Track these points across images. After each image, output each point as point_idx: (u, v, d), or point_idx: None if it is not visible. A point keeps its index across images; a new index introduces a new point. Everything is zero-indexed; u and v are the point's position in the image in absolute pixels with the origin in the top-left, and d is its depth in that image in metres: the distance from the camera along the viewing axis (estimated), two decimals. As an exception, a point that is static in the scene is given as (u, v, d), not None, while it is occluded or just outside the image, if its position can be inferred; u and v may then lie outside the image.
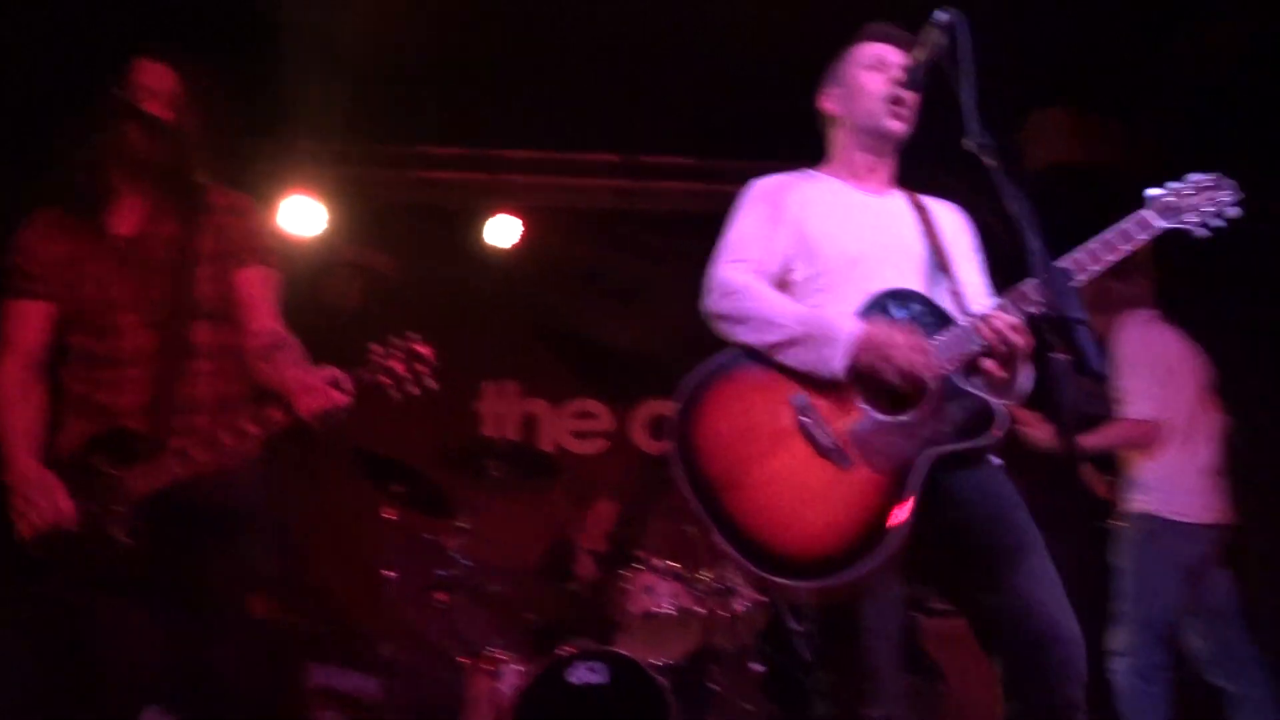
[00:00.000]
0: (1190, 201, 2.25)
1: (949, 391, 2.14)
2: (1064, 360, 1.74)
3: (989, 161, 2.03)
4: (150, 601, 2.27)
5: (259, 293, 2.48)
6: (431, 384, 2.30)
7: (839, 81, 2.54)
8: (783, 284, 2.40)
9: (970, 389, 2.15)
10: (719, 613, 4.57)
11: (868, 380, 2.14)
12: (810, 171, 2.57)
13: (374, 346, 2.29)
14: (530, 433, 6.36)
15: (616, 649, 4.36)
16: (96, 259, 2.37)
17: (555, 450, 6.27)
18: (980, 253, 2.52)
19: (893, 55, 2.44)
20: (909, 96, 2.41)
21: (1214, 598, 4.01)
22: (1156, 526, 3.88)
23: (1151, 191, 2.27)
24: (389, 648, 4.75)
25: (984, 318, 2.13)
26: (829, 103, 2.57)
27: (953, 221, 2.52)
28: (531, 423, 6.41)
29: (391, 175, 6.25)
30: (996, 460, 2.26)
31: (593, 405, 6.50)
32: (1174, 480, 3.92)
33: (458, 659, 4.46)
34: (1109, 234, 2.21)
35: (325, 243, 6.29)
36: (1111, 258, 2.18)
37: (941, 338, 2.15)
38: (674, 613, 4.49)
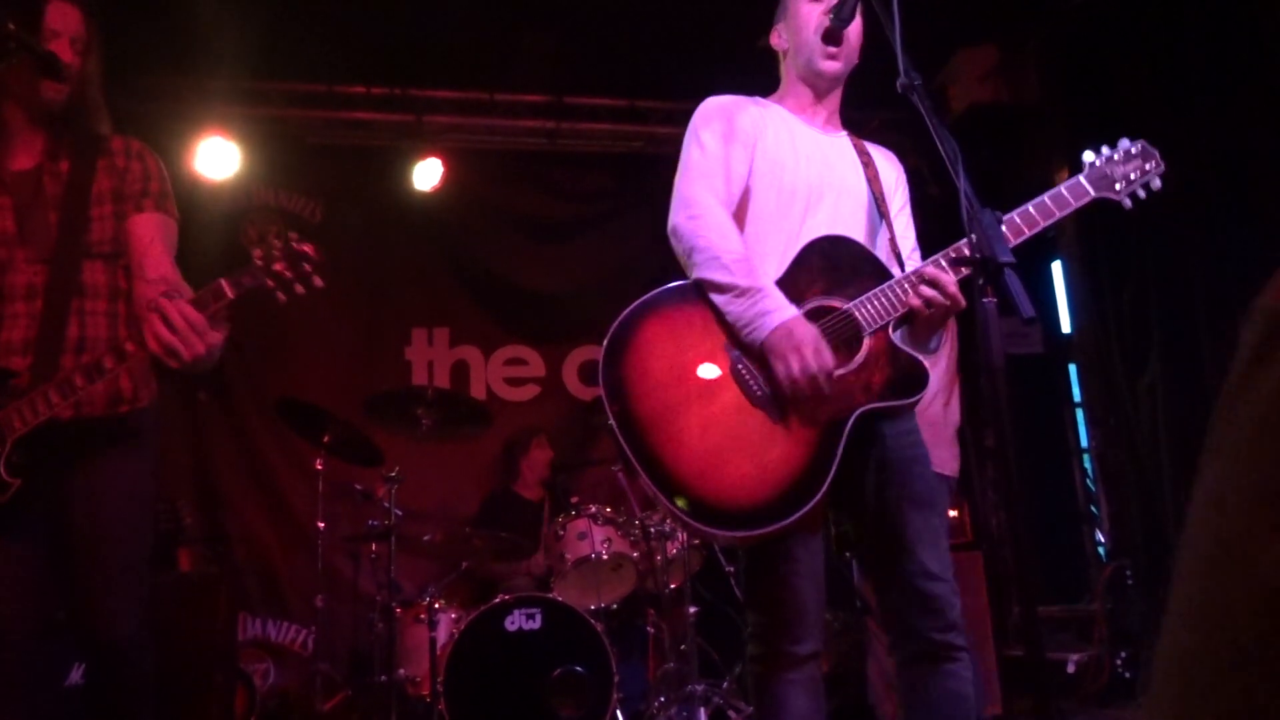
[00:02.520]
0: (1119, 170, 2.25)
1: (881, 348, 2.15)
2: (992, 303, 1.75)
3: (920, 103, 2.02)
4: (27, 538, 2.29)
5: (154, 239, 2.41)
6: (318, 282, 2.22)
7: (784, 15, 2.50)
8: (738, 205, 2.37)
9: (903, 347, 2.17)
10: (654, 557, 4.61)
11: (762, 361, 2.12)
12: (761, 99, 2.53)
13: (256, 251, 2.20)
14: (461, 380, 6.29)
15: (551, 595, 4.37)
16: None
17: (487, 397, 6.22)
18: (910, 205, 2.52)
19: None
20: (847, 33, 2.37)
21: None
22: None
23: (1088, 156, 2.27)
24: (322, 598, 4.71)
25: (920, 274, 2.13)
26: (776, 39, 2.53)
27: (890, 170, 2.50)
28: (462, 369, 6.34)
29: (311, 115, 6.05)
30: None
31: (524, 351, 6.45)
32: (936, 435, 4.00)
33: (392, 608, 4.43)
34: (1046, 198, 2.21)
35: (241, 185, 6.10)
36: (1046, 222, 2.20)
37: (879, 295, 2.14)
38: (608, 557, 4.50)
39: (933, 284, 2.11)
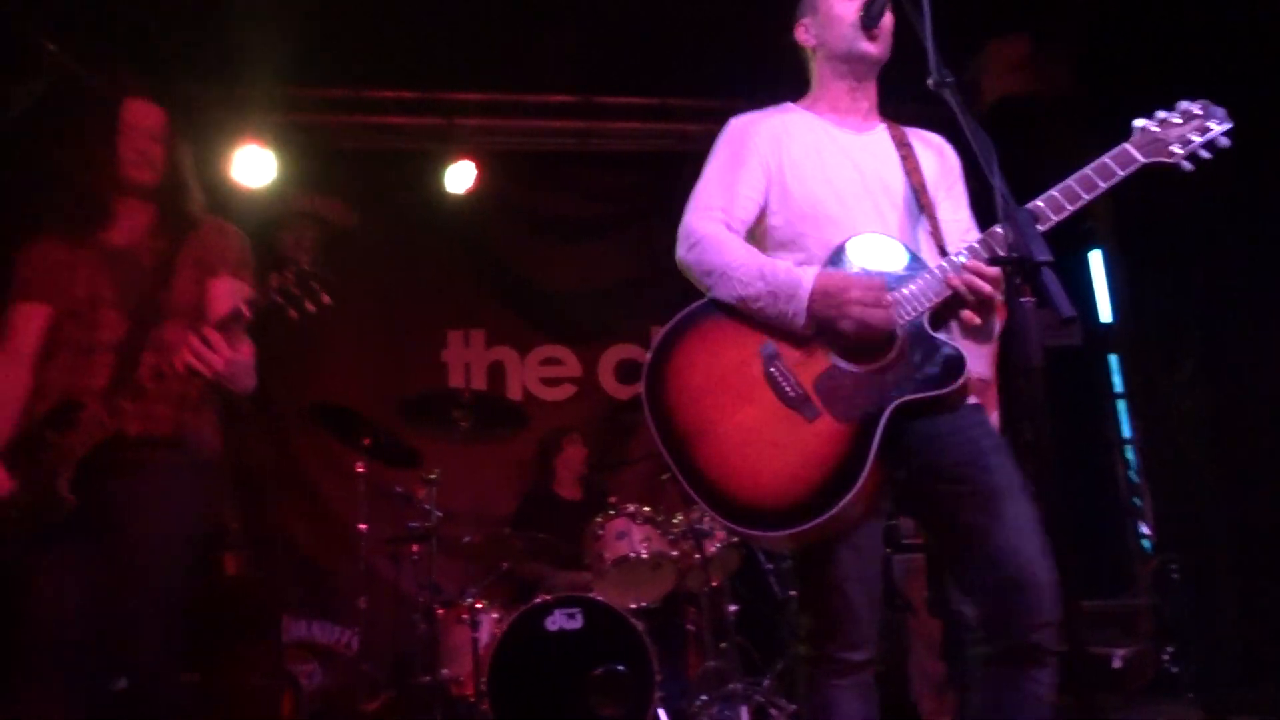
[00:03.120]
0: (1176, 132, 2.16)
1: (916, 339, 2.11)
2: (1030, 303, 1.73)
3: (952, 100, 2.00)
4: (82, 550, 2.50)
5: (223, 299, 2.68)
6: (325, 299, 2.48)
7: (811, 10, 2.46)
8: (760, 226, 2.37)
9: (939, 337, 2.11)
10: (692, 555, 4.61)
11: (831, 331, 2.13)
12: (790, 106, 2.51)
13: (271, 275, 2.48)
14: (498, 380, 6.33)
15: (592, 594, 4.38)
16: (90, 264, 2.64)
17: (523, 397, 6.25)
18: (964, 184, 2.43)
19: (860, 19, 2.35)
20: (882, 19, 2.35)
21: None
22: None
23: (1138, 122, 2.19)
24: (365, 599, 4.76)
25: (954, 265, 2.10)
26: (803, 33, 2.49)
27: (935, 155, 2.42)
28: (498, 370, 6.37)
29: (343, 121, 6.11)
30: (972, 399, 2.22)
31: (559, 351, 6.47)
32: None
33: (434, 608, 4.47)
34: (1089, 170, 2.13)
35: (277, 192, 6.17)
36: (1089, 196, 2.12)
37: (910, 287, 2.12)
38: (647, 556, 4.51)
39: (961, 273, 2.07)
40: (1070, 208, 2.12)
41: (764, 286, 2.15)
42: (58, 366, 2.59)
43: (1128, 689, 4.86)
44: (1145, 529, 5.96)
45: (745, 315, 2.19)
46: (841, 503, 1.99)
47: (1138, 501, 6.04)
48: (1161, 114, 2.20)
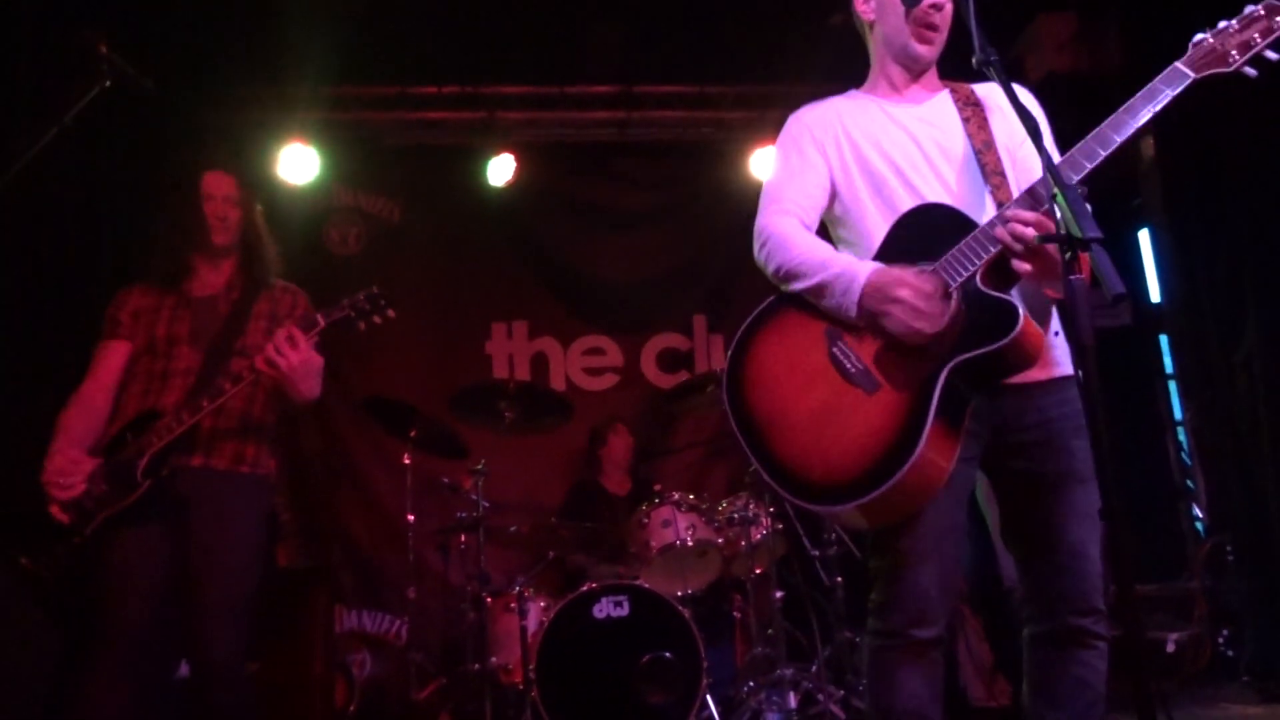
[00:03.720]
0: (1237, 39, 2.03)
1: (970, 299, 2.07)
2: (1081, 280, 1.72)
3: (998, 78, 1.98)
4: (151, 541, 2.79)
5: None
6: (390, 314, 2.90)
7: None
8: (830, 211, 2.40)
9: (992, 292, 2.06)
10: (738, 542, 4.62)
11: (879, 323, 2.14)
12: (852, 92, 2.49)
13: (344, 300, 2.88)
14: (541, 371, 6.37)
15: (638, 582, 4.41)
16: (171, 309, 3.02)
17: (566, 388, 6.28)
18: (1046, 123, 2.30)
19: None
20: (941, 17, 2.32)
21: None
22: None
23: (1197, 37, 2.07)
24: (414, 589, 4.82)
25: (1001, 218, 2.03)
26: (861, 3, 2.45)
27: (1005, 106, 2.18)
28: (542, 361, 6.41)
29: (386, 117, 6.17)
30: (1062, 371, 2.19)
31: (602, 341, 6.50)
32: None
33: (482, 597, 4.52)
34: (1138, 96, 2.02)
35: (323, 188, 6.25)
36: (1136, 123, 2.01)
37: (959, 248, 2.08)
38: (693, 544, 4.53)
39: (1007, 225, 2.00)
40: (1118, 138, 2.03)
41: (824, 277, 2.18)
42: (133, 392, 2.93)
43: (1182, 674, 4.81)
44: (1198, 511, 5.87)
45: (812, 305, 2.24)
46: (903, 469, 1.98)
47: (1191, 484, 5.95)
48: (1222, 24, 2.08)
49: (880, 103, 2.42)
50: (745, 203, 6.76)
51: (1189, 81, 2.04)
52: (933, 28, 2.34)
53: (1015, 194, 2.14)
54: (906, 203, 2.26)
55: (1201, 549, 5.29)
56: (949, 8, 2.34)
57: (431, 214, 6.44)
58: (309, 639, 4.38)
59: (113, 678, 2.67)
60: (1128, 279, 5.83)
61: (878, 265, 2.15)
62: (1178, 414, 6.06)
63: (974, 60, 2.01)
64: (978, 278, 2.08)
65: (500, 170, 6.13)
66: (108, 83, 2.64)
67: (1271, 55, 2.04)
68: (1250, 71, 2.04)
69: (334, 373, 5.95)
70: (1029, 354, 2.08)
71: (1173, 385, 6.09)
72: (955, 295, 2.08)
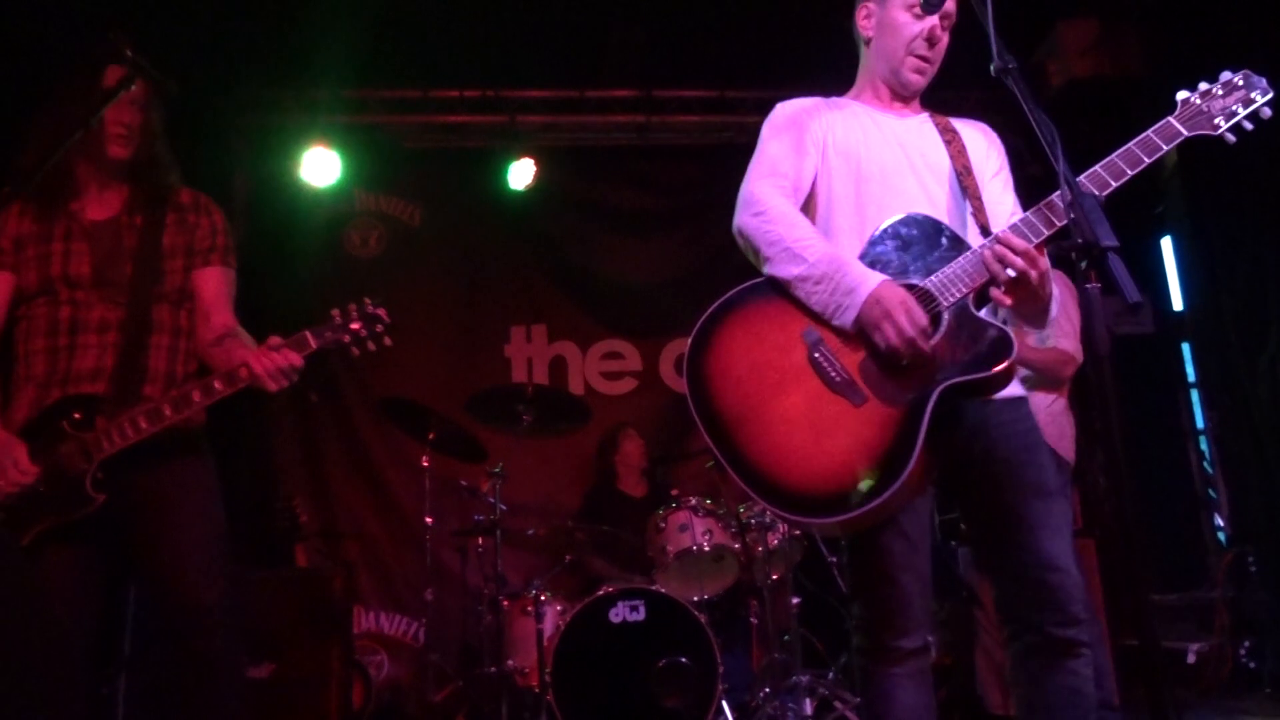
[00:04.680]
0: (1220, 104, 2.14)
1: (961, 321, 2.08)
2: (1096, 288, 1.71)
3: (1016, 86, 1.98)
4: (92, 545, 2.48)
5: (219, 293, 2.69)
6: (387, 341, 2.56)
7: (878, 1, 2.39)
8: (809, 200, 2.35)
9: (984, 317, 2.09)
10: (755, 548, 4.61)
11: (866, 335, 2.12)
12: (836, 99, 2.49)
13: (334, 311, 2.54)
14: (559, 375, 6.39)
15: (654, 587, 4.41)
16: (64, 239, 2.56)
17: (584, 391, 6.29)
18: (1009, 172, 2.42)
19: (951, 6, 2.34)
20: (937, 52, 2.35)
21: None
22: (1053, 461, 3.87)
23: (1181, 95, 2.17)
24: (431, 591, 4.84)
25: (994, 244, 2.05)
26: (863, 19, 2.43)
27: (980, 141, 2.41)
28: (560, 365, 6.43)
29: (408, 121, 6.21)
30: (1017, 392, 2.24)
31: (620, 345, 6.50)
32: (1056, 423, 3.91)
33: (499, 600, 4.53)
34: (1133, 145, 2.10)
35: (344, 191, 6.30)
36: (1133, 171, 2.08)
37: (951, 268, 2.10)
38: (709, 549, 4.52)
39: (1006, 246, 2.02)
40: (1114, 184, 2.09)
41: (825, 271, 2.13)
42: (36, 348, 2.52)
43: (1203, 685, 4.77)
44: (1220, 521, 5.82)
45: (788, 300, 2.18)
46: (892, 488, 1.97)
47: (1213, 493, 5.90)
48: (1204, 86, 2.18)
49: (868, 110, 2.42)
50: (764, 207, 6.74)
51: (1181, 139, 2.15)
52: (927, 60, 2.36)
53: (990, 224, 2.20)
54: (888, 207, 2.24)
55: (1224, 559, 5.25)
56: (945, 41, 2.37)
57: (452, 217, 6.48)
58: (327, 640, 4.41)
59: (52, 703, 2.31)
60: (1149, 287, 5.88)
61: (886, 277, 2.12)
62: (1200, 422, 6.01)
63: (992, 68, 2.01)
64: (970, 300, 2.09)
65: (521, 174, 6.16)
66: (133, 86, 2.63)
67: (1248, 126, 2.14)
68: (1230, 138, 2.14)
69: (354, 373, 6.03)
70: (1009, 378, 2.11)
71: (1195, 393, 6.04)
72: (947, 316, 2.09)
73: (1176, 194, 5.66)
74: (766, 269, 2.23)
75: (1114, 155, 2.12)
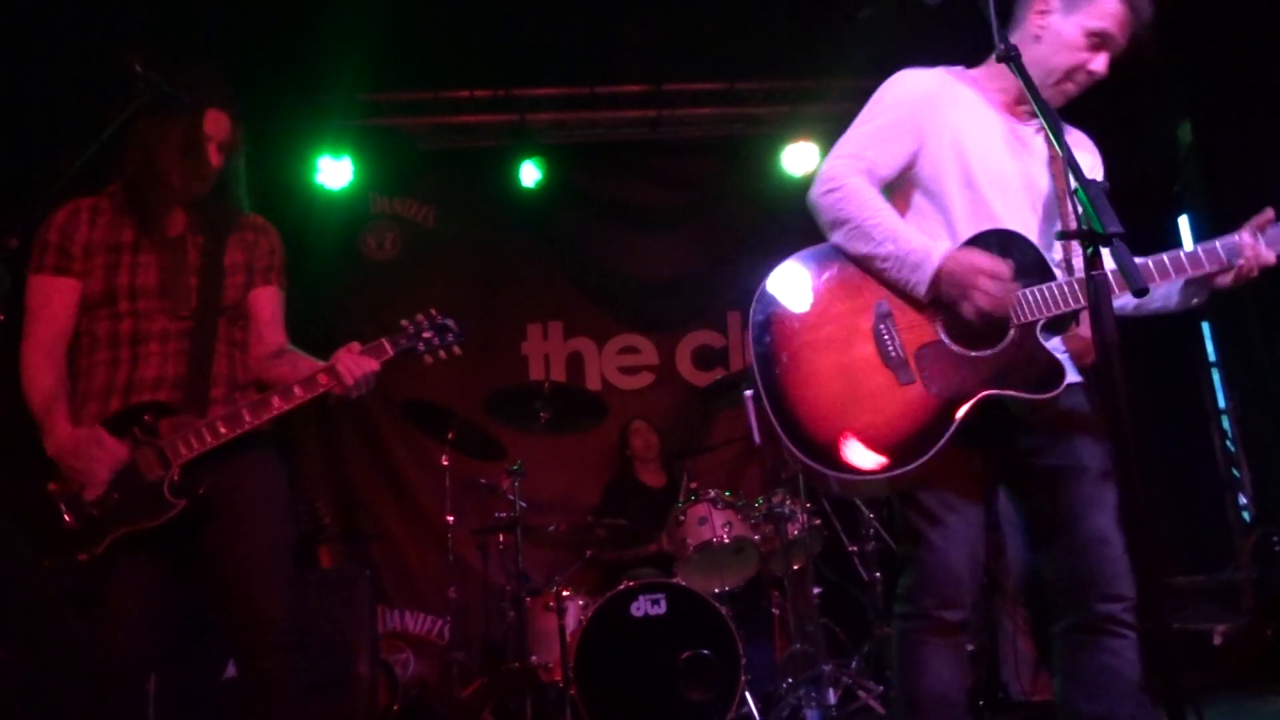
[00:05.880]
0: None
1: (1024, 339, 2.14)
2: (1103, 275, 1.71)
3: (1019, 73, 1.98)
4: (172, 567, 2.50)
5: (275, 312, 2.79)
6: (457, 350, 2.69)
7: (1064, 5, 2.27)
8: (905, 180, 2.32)
9: (1046, 344, 2.14)
10: (774, 539, 4.62)
11: (950, 309, 2.16)
12: (960, 74, 2.38)
13: (404, 322, 2.65)
14: (577, 371, 6.41)
15: (675, 580, 4.42)
16: (135, 252, 2.60)
17: (602, 387, 6.32)
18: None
19: (1121, 36, 2.28)
20: (1090, 84, 2.31)
21: None
22: None
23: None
24: (454, 589, 4.88)
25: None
26: (1038, 11, 2.29)
27: (1085, 158, 2.37)
28: (577, 361, 6.45)
29: (420, 122, 6.25)
30: (1077, 377, 2.26)
31: (636, 339, 6.52)
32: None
33: (521, 597, 4.56)
34: (1200, 250, 2.25)
35: (359, 194, 6.34)
36: (1191, 273, 2.26)
37: (1038, 291, 2.13)
38: (729, 541, 4.53)
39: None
40: (1159, 281, 2.25)
41: (894, 249, 2.17)
42: (99, 360, 2.54)
43: (1229, 667, 4.73)
44: (1245, 500, 5.78)
45: (867, 270, 2.23)
46: (906, 468, 2.08)
47: (1236, 472, 5.86)
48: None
49: (989, 105, 2.35)
50: (777, 198, 6.78)
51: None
52: (1079, 89, 2.32)
53: (1071, 248, 2.23)
54: (988, 212, 2.24)
55: (1248, 539, 5.20)
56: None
57: (466, 217, 6.51)
58: (353, 639, 4.45)
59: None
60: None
61: (954, 248, 2.15)
62: (1222, 403, 5.97)
63: (995, 54, 2.02)
64: (1040, 324, 2.15)
65: (533, 172, 6.19)
66: (144, 100, 2.67)
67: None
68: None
69: (391, 365, 6.04)
70: (1055, 407, 2.17)
71: (1216, 374, 5.99)
72: (1013, 332, 2.14)
73: (1193, 173, 5.61)
74: (840, 244, 2.27)
75: (1179, 252, 2.25)
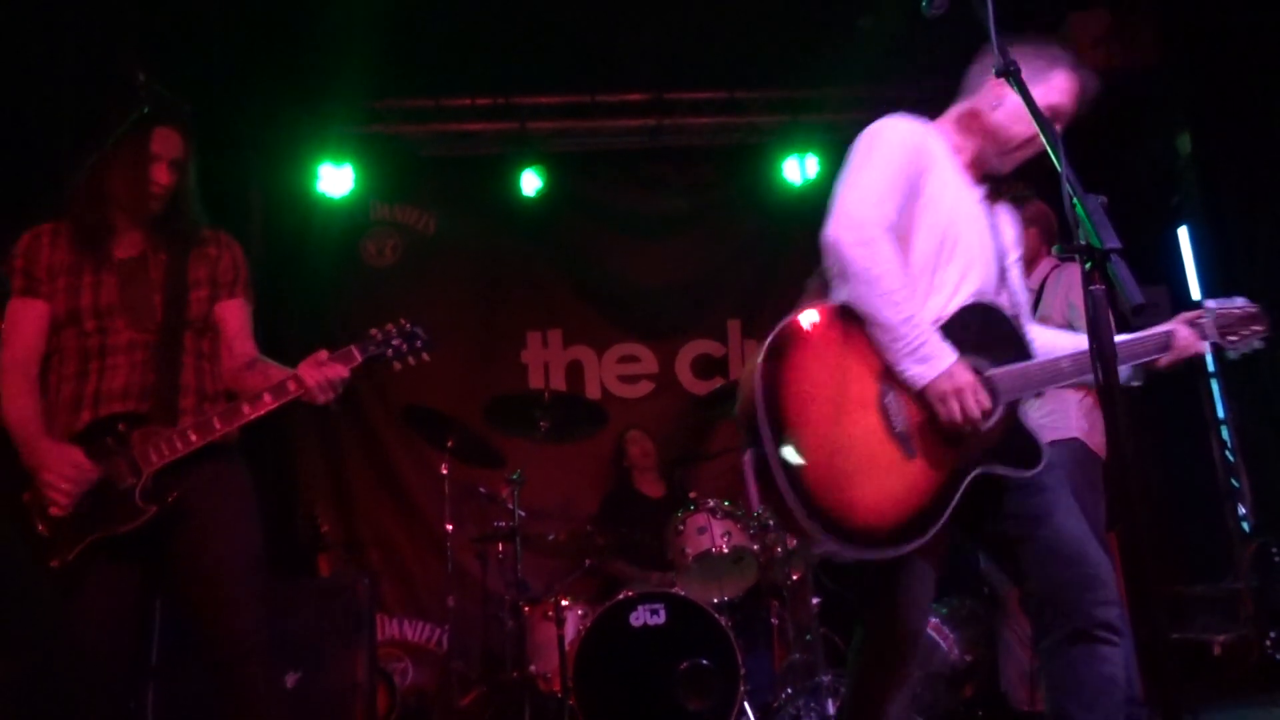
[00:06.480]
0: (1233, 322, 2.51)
1: (1010, 417, 2.25)
2: (1100, 291, 1.72)
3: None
4: (142, 573, 2.56)
5: (242, 324, 2.82)
6: (425, 357, 2.72)
7: (1034, 74, 2.29)
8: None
9: (1026, 423, 2.27)
10: (774, 549, 4.62)
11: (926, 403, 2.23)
12: (931, 131, 2.41)
13: (373, 330, 2.69)
14: (576, 379, 6.41)
15: (674, 590, 4.42)
16: (95, 272, 2.66)
17: (601, 396, 6.32)
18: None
19: (1071, 111, 2.43)
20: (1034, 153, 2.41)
21: None
22: (1086, 454, 3.88)
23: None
24: (453, 598, 4.87)
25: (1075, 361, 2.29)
26: (997, 89, 2.33)
27: (1010, 228, 2.53)
28: (577, 369, 6.45)
29: (421, 130, 6.26)
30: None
31: (636, 348, 6.52)
32: (1092, 420, 3.92)
33: (520, 606, 4.56)
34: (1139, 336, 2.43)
35: (359, 202, 6.35)
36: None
37: (1019, 371, 2.26)
38: (728, 551, 4.53)
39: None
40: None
41: (910, 331, 2.16)
42: (66, 374, 2.59)
43: (1229, 677, 4.73)
44: (1244, 510, 5.78)
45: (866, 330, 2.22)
46: (912, 545, 2.12)
47: (1236, 482, 5.86)
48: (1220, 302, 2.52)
49: (953, 164, 2.41)
50: (777, 206, 6.79)
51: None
52: (1027, 158, 2.43)
53: (1010, 304, 2.41)
54: (961, 280, 2.32)
55: (1248, 549, 5.20)
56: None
57: (466, 224, 6.51)
58: (351, 648, 4.44)
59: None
60: (1168, 277, 5.80)
61: (962, 357, 2.20)
62: (1221, 412, 5.97)
63: (993, 69, 2.02)
64: (1019, 402, 2.27)
65: (533, 180, 6.21)
66: (146, 109, 2.69)
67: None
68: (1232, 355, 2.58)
69: (373, 383, 6.07)
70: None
71: (1215, 383, 5.99)
72: (1000, 410, 2.22)
73: (1192, 184, 5.62)
74: (856, 299, 2.21)
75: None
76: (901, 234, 2.29)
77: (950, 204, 2.34)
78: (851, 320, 2.23)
